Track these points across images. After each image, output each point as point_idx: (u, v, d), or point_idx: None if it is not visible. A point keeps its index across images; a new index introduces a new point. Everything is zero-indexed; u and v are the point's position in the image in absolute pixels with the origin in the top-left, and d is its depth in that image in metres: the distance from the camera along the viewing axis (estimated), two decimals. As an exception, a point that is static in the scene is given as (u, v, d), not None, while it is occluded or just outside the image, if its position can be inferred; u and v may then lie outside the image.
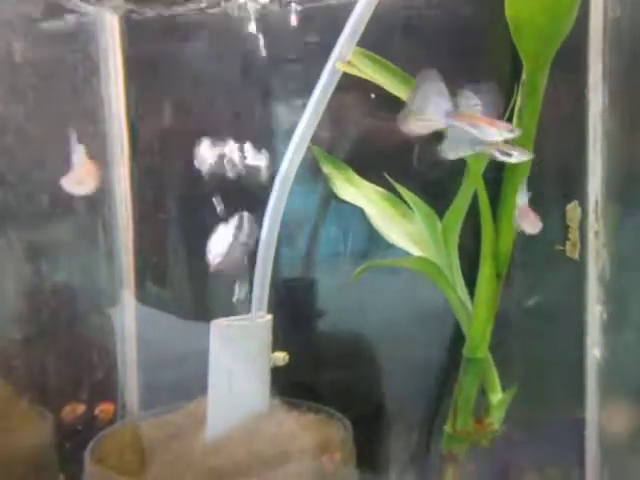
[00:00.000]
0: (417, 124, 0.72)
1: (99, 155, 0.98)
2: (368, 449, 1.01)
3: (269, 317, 0.85)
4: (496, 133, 0.72)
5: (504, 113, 0.88)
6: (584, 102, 0.96)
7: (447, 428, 0.87)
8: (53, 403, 0.93)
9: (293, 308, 1.04)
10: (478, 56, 0.99)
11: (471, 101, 0.71)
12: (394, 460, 1.05)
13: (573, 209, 0.98)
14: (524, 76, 0.84)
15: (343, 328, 1.05)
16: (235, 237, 0.82)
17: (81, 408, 0.93)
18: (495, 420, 0.88)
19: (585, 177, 0.98)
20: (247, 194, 0.98)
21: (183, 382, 0.99)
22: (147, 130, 1.01)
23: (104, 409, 0.94)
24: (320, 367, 1.05)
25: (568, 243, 0.99)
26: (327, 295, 1.06)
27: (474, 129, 0.71)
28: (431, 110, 0.70)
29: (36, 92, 0.88)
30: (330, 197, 0.99)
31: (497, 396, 0.89)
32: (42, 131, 0.90)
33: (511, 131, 0.73)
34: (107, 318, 1.05)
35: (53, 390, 0.95)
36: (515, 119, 0.87)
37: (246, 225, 0.83)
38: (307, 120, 0.81)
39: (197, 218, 1.00)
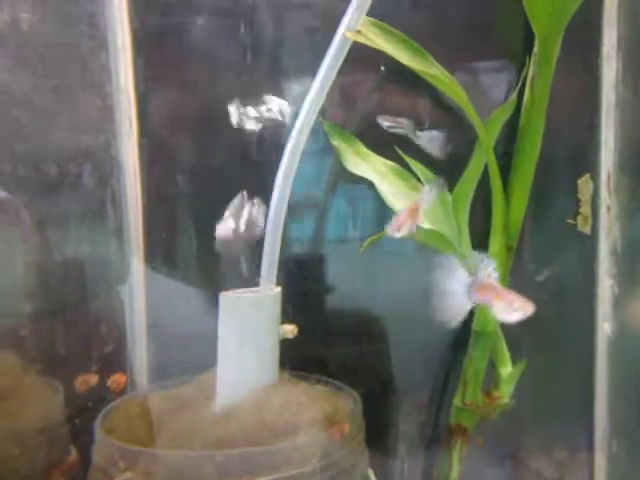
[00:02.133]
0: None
1: (107, 129, 0.98)
2: (377, 423, 1.01)
3: (278, 289, 0.85)
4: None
5: (516, 84, 0.88)
6: (597, 73, 0.95)
7: (456, 401, 0.88)
8: (64, 376, 0.93)
9: (302, 283, 1.04)
10: (490, 27, 0.97)
11: (489, 267, 0.68)
12: (403, 434, 1.05)
13: (585, 182, 0.98)
14: (536, 46, 0.83)
15: (353, 303, 1.05)
16: (238, 225, 0.82)
17: (94, 379, 0.93)
18: (504, 394, 0.88)
19: (597, 150, 0.97)
20: (258, 168, 0.99)
21: (193, 356, 0.99)
22: (156, 104, 1.00)
23: (116, 380, 0.95)
24: (329, 342, 1.05)
25: (579, 217, 0.98)
26: (337, 270, 1.05)
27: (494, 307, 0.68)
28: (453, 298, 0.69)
29: (44, 63, 0.88)
30: (340, 171, 0.98)
31: (507, 370, 0.89)
32: (50, 103, 0.90)
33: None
34: (116, 292, 1.05)
35: (63, 363, 0.96)
36: (527, 90, 0.86)
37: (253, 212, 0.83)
38: (316, 90, 0.80)
39: (207, 193, 1.00)
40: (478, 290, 0.67)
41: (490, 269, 0.68)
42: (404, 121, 0.95)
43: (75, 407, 0.92)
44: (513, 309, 0.66)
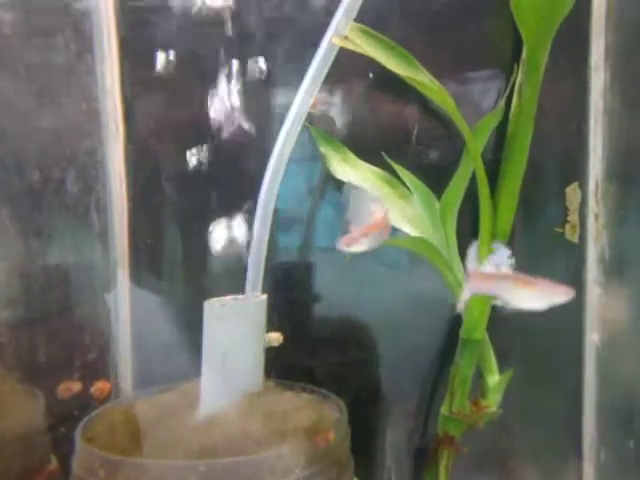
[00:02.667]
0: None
1: (93, 134, 0.97)
2: (364, 432, 1.00)
3: (264, 297, 0.84)
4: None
5: (504, 91, 0.88)
6: (585, 81, 0.95)
7: (443, 410, 0.87)
8: (46, 384, 0.92)
9: (289, 291, 1.03)
10: (478, 34, 0.97)
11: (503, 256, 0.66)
12: (390, 443, 1.04)
13: (573, 191, 0.98)
14: (524, 54, 0.83)
15: (339, 312, 1.04)
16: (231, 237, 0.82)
17: (77, 386, 0.92)
18: (492, 402, 0.88)
19: (586, 158, 0.97)
20: (244, 175, 0.98)
21: (177, 363, 0.98)
22: (143, 108, 0.99)
23: (99, 387, 0.93)
24: (316, 351, 1.04)
25: (567, 225, 0.98)
26: (323, 278, 1.05)
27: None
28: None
29: (27, 67, 0.87)
30: (328, 179, 0.97)
31: (494, 378, 0.89)
32: (34, 107, 0.89)
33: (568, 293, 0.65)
34: (101, 299, 1.04)
35: (46, 371, 0.95)
36: (515, 97, 0.86)
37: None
38: (302, 96, 0.80)
39: (193, 199, 0.99)
40: (477, 279, 0.66)
41: (504, 257, 0.66)
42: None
43: (57, 415, 0.90)
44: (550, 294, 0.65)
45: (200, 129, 0.96)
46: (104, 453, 0.71)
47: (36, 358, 0.93)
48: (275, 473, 0.70)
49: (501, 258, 0.66)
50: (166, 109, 0.99)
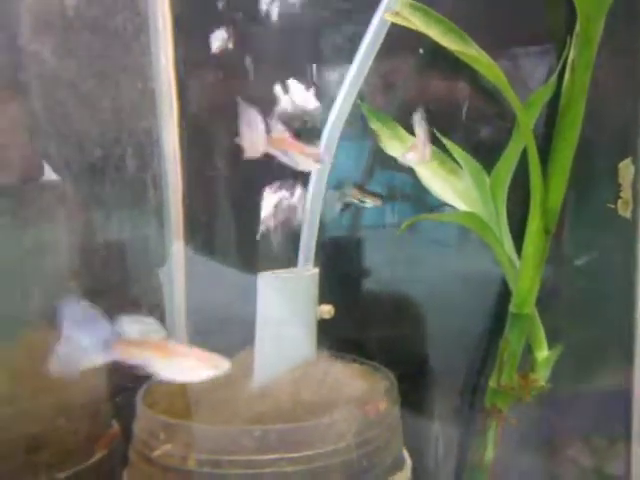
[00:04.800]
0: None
1: (147, 111, 1.00)
2: (412, 405, 1.01)
3: (316, 270, 0.86)
4: (303, 162, 0.71)
5: (557, 66, 0.87)
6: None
7: (491, 383, 0.88)
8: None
9: (340, 266, 1.05)
10: (531, 8, 0.96)
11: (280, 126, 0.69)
12: (438, 415, 1.05)
13: (626, 166, 0.96)
14: (577, 27, 0.82)
15: (390, 287, 1.06)
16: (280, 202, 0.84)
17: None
18: (540, 377, 0.88)
19: (639, 133, 0.96)
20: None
21: (231, 336, 1.01)
22: (196, 87, 1.02)
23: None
24: (366, 325, 1.06)
25: (620, 201, 0.97)
26: (373, 255, 1.06)
27: (282, 155, 0.70)
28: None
29: (87, 48, 0.90)
30: (378, 155, 0.98)
31: (543, 353, 0.89)
32: (94, 87, 0.92)
33: (317, 162, 0.72)
34: (156, 273, 1.07)
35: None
36: (567, 72, 0.85)
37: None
38: (355, 72, 0.81)
39: (246, 175, 1.01)
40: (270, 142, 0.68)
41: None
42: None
43: (117, 385, 0.94)
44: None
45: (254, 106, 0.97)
46: (164, 417, 0.75)
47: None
48: (326, 440, 0.72)
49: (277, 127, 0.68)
50: (219, 87, 1.01)
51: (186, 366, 0.60)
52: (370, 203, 0.96)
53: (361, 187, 0.97)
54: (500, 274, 0.94)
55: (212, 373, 0.60)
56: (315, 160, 0.73)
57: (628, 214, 0.97)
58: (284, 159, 0.71)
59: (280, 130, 0.71)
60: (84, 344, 0.58)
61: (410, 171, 0.93)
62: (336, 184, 0.96)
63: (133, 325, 0.58)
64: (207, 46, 1.00)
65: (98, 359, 0.58)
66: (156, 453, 0.74)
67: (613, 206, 0.97)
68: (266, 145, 0.70)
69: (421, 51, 0.98)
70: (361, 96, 0.93)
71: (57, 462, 0.82)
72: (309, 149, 0.72)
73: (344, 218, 1.05)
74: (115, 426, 0.91)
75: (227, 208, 1.04)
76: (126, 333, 0.58)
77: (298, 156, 0.72)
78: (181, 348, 0.60)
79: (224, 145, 1.02)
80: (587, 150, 0.91)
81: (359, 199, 0.96)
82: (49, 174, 0.91)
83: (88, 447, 0.86)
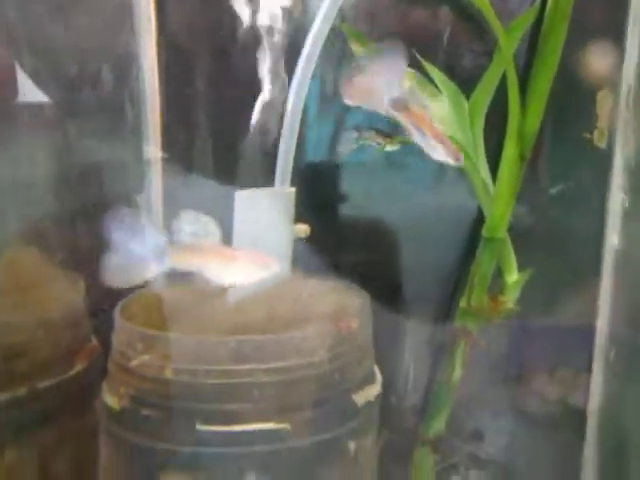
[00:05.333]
0: (356, 91, 0.62)
1: (125, 26, 0.98)
2: (385, 327, 1.04)
3: (292, 189, 0.87)
4: (441, 152, 0.64)
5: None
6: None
7: (462, 303, 0.90)
8: (85, 272, 0.97)
9: (317, 188, 1.06)
10: None
11: (423, 98, 0.63)
12: (410, 338, 1.08)
13: (604, 96, 0.97)
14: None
15: (366, 213, 1.07)
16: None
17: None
18: (509, 299, 0.91)
19: (620, 63, 0.96)
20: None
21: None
22: (175, 2, 0.99)
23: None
24: (341, 249, 1.08)
25: (596, 131, 0.98)
26: (351, 182, 1.07)
27: (417, 133, 0.63)
28: (379, 86, 0.61)
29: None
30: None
31: (512, 276, 0.91)
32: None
33: (457, 160, 0.66)
34: (135, 194, 1.07)
35: (84, 259, 0.99)
36: (550, -4, 0.84)
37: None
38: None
39: (226, 92, 1.00)
40: (404, 110, 0.61)
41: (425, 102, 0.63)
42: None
43: (95, 302, 0.96)
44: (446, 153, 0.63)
45: (232, 24, 0.96)
46: (142, 328, 0.76)
47: (75, 248, 0.97)
48: (300, 353, 0.75)
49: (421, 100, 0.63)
50: (199, 2, 0.99)
51: (239, 268, 0.62)
52: (388, 147, 0.95)
53: (380, 131, 0.95)
54: (475, 206, 0.95)
55: (264, 273, 0.62)
56: (455, 158, 0.66)
57: (603, 144, 0.98)
58: (415, 136, 0.64)
59: (422, 105, 0.63)
60: (137, 254, 0.58)
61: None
62: (354, 125, 0.96)
63: (189, 225, 0.59)
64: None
65: (152, 268, 0.59)
66: (134, 363, 0.76)
67: (589, 136, 0.98)
68: (401, 106, 0.62)
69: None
70: (342, 18, 0.92)
71: (37, 373, 0.84)
72: (450, 142, 0.65)
73: (325, 146, 1.05)
74: (94, 341, 0.93)
75: (205, 126, 1.03)
76: (182, 232, 0.58)
77: (436, 143, 0.65)
78: (232, 251, 0.62)
79: (204, 63, 1.00)
80: (566, 79, 0.91)
81: (377, 142, 0.95)
82: (25, 93, 0.90)
83: (68, 359, 0.88)
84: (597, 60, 0.90)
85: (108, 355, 0.83)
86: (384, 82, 0.62)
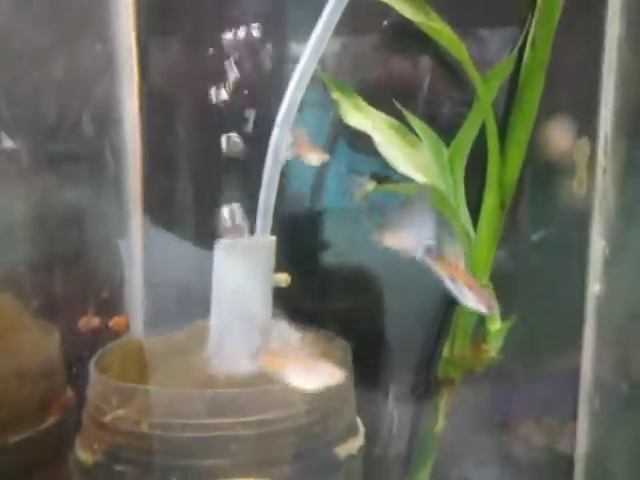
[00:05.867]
0: (392, 238, 0.67)
1: (107, 74, 0.98)
2: (367, 376, 1.03)
3: (273, 238, 0.86)
4: (472, 300, 0.67)
5: (517, 42, 0.88)
6: (600, 34, 0.95)
7: (444, 352, 0.89)
8: (61, 321, 0.95)
9: (298, 237, 1.05)
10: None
11: (456, 246, 0.66)
12: (393, 387, 1.07)
13: (582, 145, 0.98)
14: (538, 2, 0.82)
15: (348, 260, 1.06)
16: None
17: (95, 320, 0.95)
18: (492, 348, 0.90)
19: (597, 111, 0.97)
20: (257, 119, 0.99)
21: (189, 306, 1.01)
22: (158, 52, 1.00)
23: (118, 321, 0.96)
24: (322, 296, 1.07)
25: (575, 178, 0.99)
26: (333, 228, 1.06)
27: (449, 279, 0.66)
28: (410, 234, 0.66)
29: (43, 7, 0.88)
30: (340, 126, 0.98)
31: (495, 325, 0.90)
32: (51, 47, 0.90)
33: (489, 308, 0.68)
34: (114, 241, 1.06)
35: (61, 308, 0.98)
36: (528, 47, 0.86)
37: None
38: (315, 41, 0.80)
39: (207, 143, 1.00)
40: (437, 259, 0.64)
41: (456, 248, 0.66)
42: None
43: (72, 352, 0.94)
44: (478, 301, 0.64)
45: (214, 73, 0.96)
46: (117, 381, 0.74)
47: (52, 296, 0.96)
48: (279, 405, 0.73)
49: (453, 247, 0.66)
50: (181, 52, 0.99)
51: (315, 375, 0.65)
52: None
53: (380, 177, 0.96)
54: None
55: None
56: (487, 306, 0.67)
57: (583, 191, 0.99)
58: (448, 284, 0.66)
59: (455, 253, 0.65)
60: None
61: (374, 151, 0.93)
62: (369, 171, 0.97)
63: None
64: (169, 9, 0.99)
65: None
66: (108, 418, 0.74)
67: (569, 183, 0.99)
68: (435, 254, 0.65)
69: (385, 23, 0.97)
70: (323, 67, 0.93)
71: (8, 425, 0.82)
72: (484, 293, 0.67)
73: (308, 193, 1.05)
74: (69, 392, 0.91)
75: (186, 176, 1.03)
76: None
77: (468, 291, 0.67)
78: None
79: (184, 112, 1.00)
80: (545, 127, 0.92)
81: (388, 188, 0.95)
82: (3, 141, 0.90)
83: (41, 412, 0.85)
84: (557, 137, 0.91)
85: (83, 406, 0.81)
86: (415, 232, 0.65)
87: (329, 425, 0.78)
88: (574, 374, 1.01)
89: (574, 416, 1.02)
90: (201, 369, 0.77)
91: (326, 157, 0.85)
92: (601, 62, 0.95)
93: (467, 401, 0.99)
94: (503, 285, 0.93)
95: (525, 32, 0.86)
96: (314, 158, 0.84)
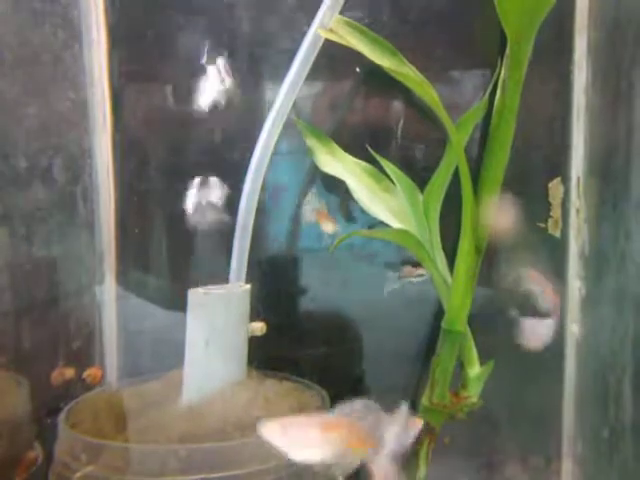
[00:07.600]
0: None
1: (80, 123, 0.97)
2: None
3: (247, 286, 0.85)
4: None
5: (488, 86, 0.89)
6: (568, 78, 0.96)
7: (424, 400, 0.88)
8: (30, 372, 0.92)
9: (273, 283, 1.04)
10: (464, 29, 0.98)
11: None
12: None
13: (555, 186, 0.99)
14: (508, 49, 0.83)
15: (324, 305, 1.05)
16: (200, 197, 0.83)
17: (69, 372, 0.93)
18: (472, 393, 0.89)
19: (568, 154, 0.98)
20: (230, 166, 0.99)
21: (163, 354, 0.99)
22: (131, 99, 1.00)
23: (92, 373, 0.94)
24: (300, 343, 1.05)
25: (550, 220, 0.99)
26: (309, 273, 1.05)
27: None
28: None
29: (15, 55, 0.87)
30: (315, 172, 0.98)
31: (475, 370, 0.89)
32: (22, 95, 0.89)
33: None
34: (87, 289, 1.04)
35: (31, 360, 0.95)
36: (498, 92, 0.86)
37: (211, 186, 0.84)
38: (287, 88, 0.81)
39: (179, 189, 0.99)
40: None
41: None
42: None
43: (42, 404, 0.91)
44: None
45: (187, 120, 0.96)
46: (86, 437, 0.72)
47: (21, 347, 0.93)
48: (255, 460, 0.71)
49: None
50: (154, 99, 0.99)
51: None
52: (420, 276, 1.00)
53: (413, 264, 1.00)
54: (435, 292, 0.95)
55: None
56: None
57: (557, 233, 0.99)
58: None
59: None
60: None
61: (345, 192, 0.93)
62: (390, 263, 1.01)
63: None
64: (142, 57, 0.99)
65: None
66: (77, 475, 0.71)
67: (544, 225, 0.99)
68: None
69: (357, 70, 0.98)
70: (297, 113, 0.94)
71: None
72: None
73: (279, 233, 1.04)
74: (37, 449, 0.87)
75: (160, 223, 1.02)
76: None
77: None
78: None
79: (158, 158, 1.00)
80: (518, 170, 0.93)
81: (414, 275, 1.00)
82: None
83: (6, 472, 0.82)
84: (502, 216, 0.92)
85: (50, 466, 0.78)
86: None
87: (306, 478, 0.75)
88: (557, 416, 1.00)
89: (559, 456, 1.01)
90: (175, 422, 0.75)
91: (337, 227, 0.97)
92: (570, 107, 0.96)
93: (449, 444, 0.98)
94: (482, 329, 0.93)
95: (495, 77, 0.87)
96: (329, 226, 0.97)
